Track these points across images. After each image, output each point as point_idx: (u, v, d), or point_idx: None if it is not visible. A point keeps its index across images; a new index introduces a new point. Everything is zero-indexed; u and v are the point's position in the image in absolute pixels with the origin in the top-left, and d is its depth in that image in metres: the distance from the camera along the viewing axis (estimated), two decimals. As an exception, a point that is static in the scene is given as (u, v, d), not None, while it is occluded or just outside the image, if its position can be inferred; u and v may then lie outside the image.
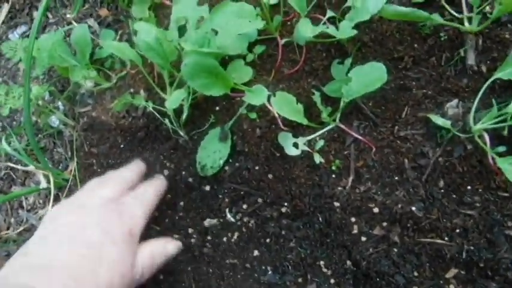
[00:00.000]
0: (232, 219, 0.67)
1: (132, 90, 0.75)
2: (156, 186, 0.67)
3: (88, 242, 0.54)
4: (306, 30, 0.61)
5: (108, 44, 0.68)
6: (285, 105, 0.59)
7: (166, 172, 0.70)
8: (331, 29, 0.61)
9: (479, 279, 0.58)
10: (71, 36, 0.74)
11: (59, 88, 0.80)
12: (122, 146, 0.74)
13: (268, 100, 0.62)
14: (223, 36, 0.64)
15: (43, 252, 0.52)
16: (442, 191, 0.62)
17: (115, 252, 0.54)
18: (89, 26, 0.78)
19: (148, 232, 0.69)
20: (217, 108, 0.69)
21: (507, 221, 0.59)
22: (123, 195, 0.62)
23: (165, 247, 0.63)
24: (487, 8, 0.66)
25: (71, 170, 0.76)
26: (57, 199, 0.76)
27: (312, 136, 0.64)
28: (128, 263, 0.55)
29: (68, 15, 0.83)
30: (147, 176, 0.70)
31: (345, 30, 0.60)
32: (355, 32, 0.59)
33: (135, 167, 0.68)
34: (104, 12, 0.79)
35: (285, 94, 0.61)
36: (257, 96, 0.61)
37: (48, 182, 0.74)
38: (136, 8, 0.74)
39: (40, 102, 0.75)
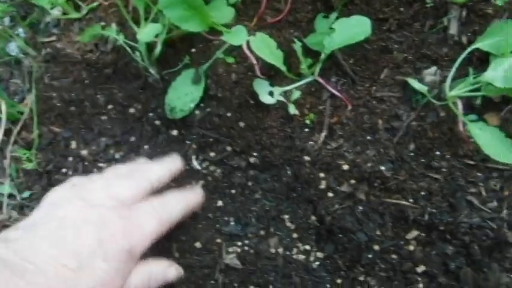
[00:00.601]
0: (198, 167, 0.65)
1: (103, 23, 0.70)
2: (188, 200, 0.57)
3: (76, 251, 0.46)
4: (293, -25, 0.59)
5: (80, -36, 0.63)
6: (264, 47, 0.57)
7: (132, 111, 0.67)
8: (319, -23, 0.59)
9: (438, 241, 0.60)
10: (40, -46, 0.68)
11: (22, 14, 0.74)
12: (86, 81, 0.69)
13: (248, 46, 0.60)
14: (206, -30, 0.61)
15: (24, 247, 0.45)
16: (412, 154, 0.62)
17: (104, 271, 0.46)
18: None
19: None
20: (193, 49, 0.66)
21: (470, 187, 0.61)
22: (143, 199, 0.53)
23: (166, 272, 0.54)
24: (475, -20, 0.67)
25: (28, 103, 0.71)
26: (8, 133, 0.70)
27: (289, 87, 0.63)
28: (115, 285, 0.47)
29: None
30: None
31: (334, -21, 0.59)
32: (344, -19, 0.58)
33: (169, 165, 0.58)
34: None
35: (266, 37, 0.59)
36: (237, 36, 0.58)
37: (0, 112, 0.68)
38: None
39: (-1, 26, 0.69)
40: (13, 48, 0.72)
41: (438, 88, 0.64)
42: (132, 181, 0.54)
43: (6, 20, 0.74)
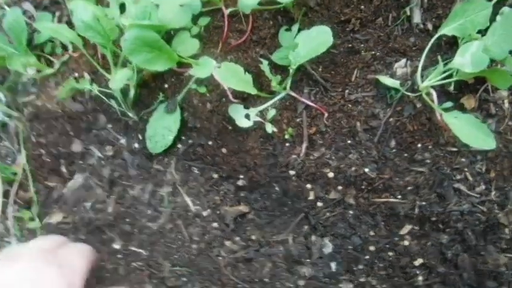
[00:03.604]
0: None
1: (76, 74, 0.76)
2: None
3: None
4: (248, -3, 0.64)
5: (44, 26, 0.68)
6: (232, 76, 0.62)
7: (115, 153, 0.72)
8: (273, -6, 0.63)
9: (432, 232, 0.64)
10: (4, 22, 0.73)
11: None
12: (71, 133, 0.75)
13: (217, 73, 0.64)
14: (164, 9, 0.65)
15: None
16: (394, 150, 0.66)
17: None
18: (24, 11, 0.78)
19: (107, 218, 0.72)
20: (166, 85, 0.72)
21: (456, 174, 0.65)
22: (59, 247, 0.60)
23: None
24: (431, -35, 0.70)
25: (20, 164, 0.77)
26: (6, 195, 0.77)
27: (264, 106, 0.67)
28: None
29: (0, -1, 0.83)
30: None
31: (288, -5, 0.63)
32: (297, -5, 0.62)
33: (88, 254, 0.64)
34: (39, -7, 0.79)
35: (232, 64, 0.64)
36: (204, 68, 0.63)
37: (-4, 177, 0.75)
38: (73, -14, 0.74)
39: (-21, 94, 0.76)
40: (-3, 112, 0.79)
41: (411, 80, 0.68)
42: (48, 238, 0.62)
43: (-14, 88, 0.80)
